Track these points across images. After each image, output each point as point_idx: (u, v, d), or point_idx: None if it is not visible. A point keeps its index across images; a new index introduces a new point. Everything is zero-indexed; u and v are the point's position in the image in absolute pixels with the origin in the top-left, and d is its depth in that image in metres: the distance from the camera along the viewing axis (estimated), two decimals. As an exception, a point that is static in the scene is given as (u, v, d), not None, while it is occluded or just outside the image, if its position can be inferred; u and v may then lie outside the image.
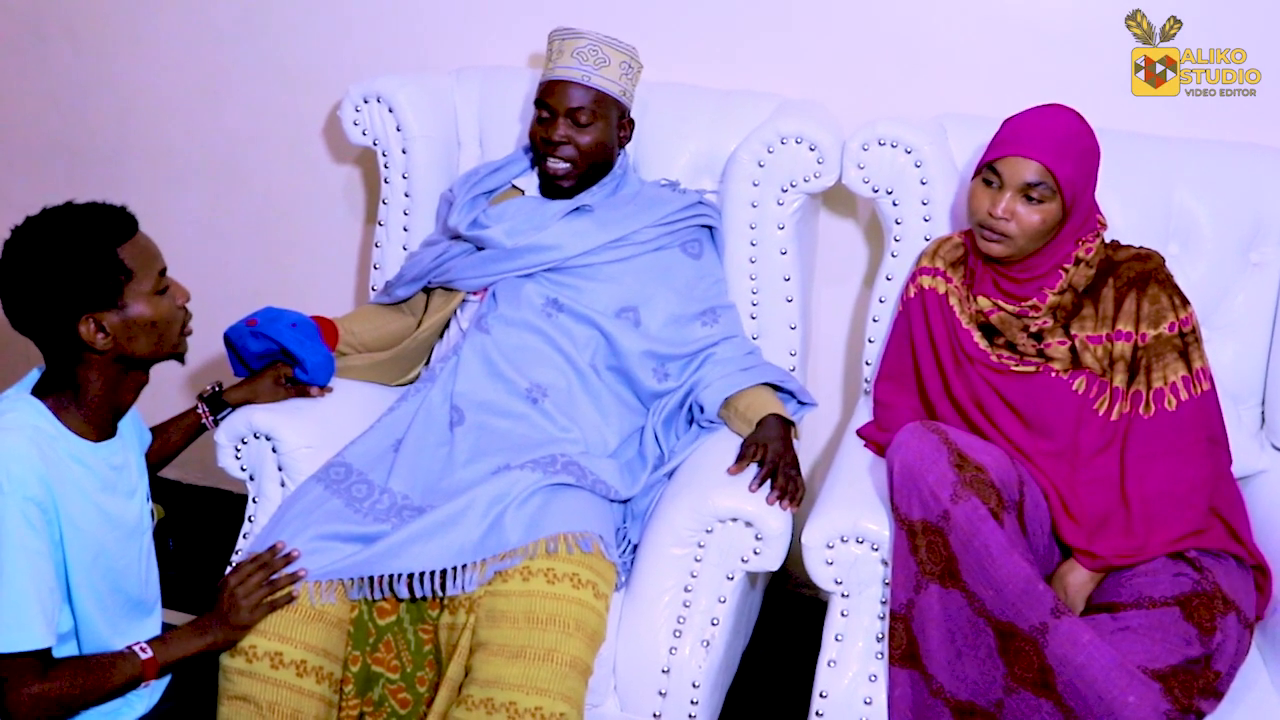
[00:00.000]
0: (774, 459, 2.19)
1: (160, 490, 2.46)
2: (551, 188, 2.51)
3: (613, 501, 2.27)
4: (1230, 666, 1.93)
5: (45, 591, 1.77)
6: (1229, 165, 2.40)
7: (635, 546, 2.25)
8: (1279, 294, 2.39)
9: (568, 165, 2.46)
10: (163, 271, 1.92)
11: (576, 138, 2.45)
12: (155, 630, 2.05)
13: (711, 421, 2.37)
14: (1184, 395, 2.10)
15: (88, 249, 1.81)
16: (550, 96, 2.45)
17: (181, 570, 2.94)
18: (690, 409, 2.41)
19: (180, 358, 1.99)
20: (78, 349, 1.85)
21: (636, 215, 2.48)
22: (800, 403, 2.45)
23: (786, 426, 2.29)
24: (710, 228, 2.57)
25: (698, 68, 2.75)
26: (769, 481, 2.15)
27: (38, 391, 1.88)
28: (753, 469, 2.18)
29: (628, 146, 2.60)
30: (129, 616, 1.98)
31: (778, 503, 2.12)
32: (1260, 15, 2.46)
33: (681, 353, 2.42)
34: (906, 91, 2.68)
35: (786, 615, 2.91)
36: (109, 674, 1.87)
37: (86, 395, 1.88)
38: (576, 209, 2.47)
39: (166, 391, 3.20)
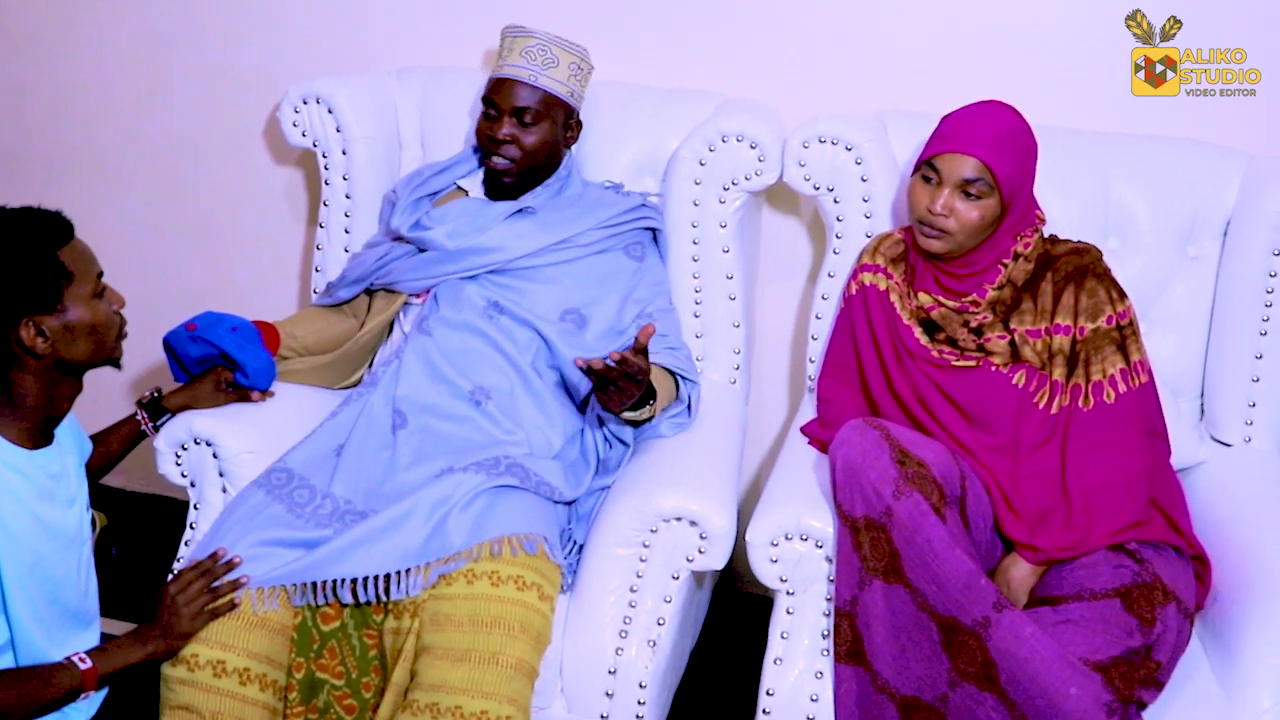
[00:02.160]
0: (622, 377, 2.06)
1: (102, 498, 2.41)
2: (496, 185, 2.50)
3: (557, 503, 2.26)
4: (1171, 656, 1.95)
5: None
6: (1167, 160, 2.43)
7: (581, 548, 2.24)
8: (1216, 287, 2.41)
9: (508, 163, 2.45)
10: (100, 275, 1.90)
11: (521, 137, 2.44)
12: (94, 642, 2.02)
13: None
14: (1122, 388, 2.12)
15: (27, 252, 1.79)
16: (497, 94, 2.45)
17: (124, 578, 2.90)
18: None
19: (116, 363, 1.97)
20: (13, 355, 1.82)
21: (580, 217, 2.47)
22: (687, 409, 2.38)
23: (651, 391, 2.20)
24: (653, 230, 2.56)
25: (639, 66, 2.75)
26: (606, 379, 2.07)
27: None
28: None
29: (572, 147, 2.59)
30: (67, 628, 1.95)
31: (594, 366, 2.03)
32: (1260, 15, 2.48)
33: None
34: (852, 88, 2.68)
35: (734, 614, 2.91)
36: (47, 685, 1.84)
37: (21, 402, 1.86)
38: (519, 211, 2.46)
39: (107, 397, 3.17)
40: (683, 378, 2.34)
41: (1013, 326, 2.19)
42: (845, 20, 2.66)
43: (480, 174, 2.58)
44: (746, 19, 2.70)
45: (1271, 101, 2.51)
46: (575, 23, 2.68)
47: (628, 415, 2.19)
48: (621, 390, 2.08)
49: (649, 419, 2.25)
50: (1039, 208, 2.24)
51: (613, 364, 2.03)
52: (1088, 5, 2.55)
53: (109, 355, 1.94)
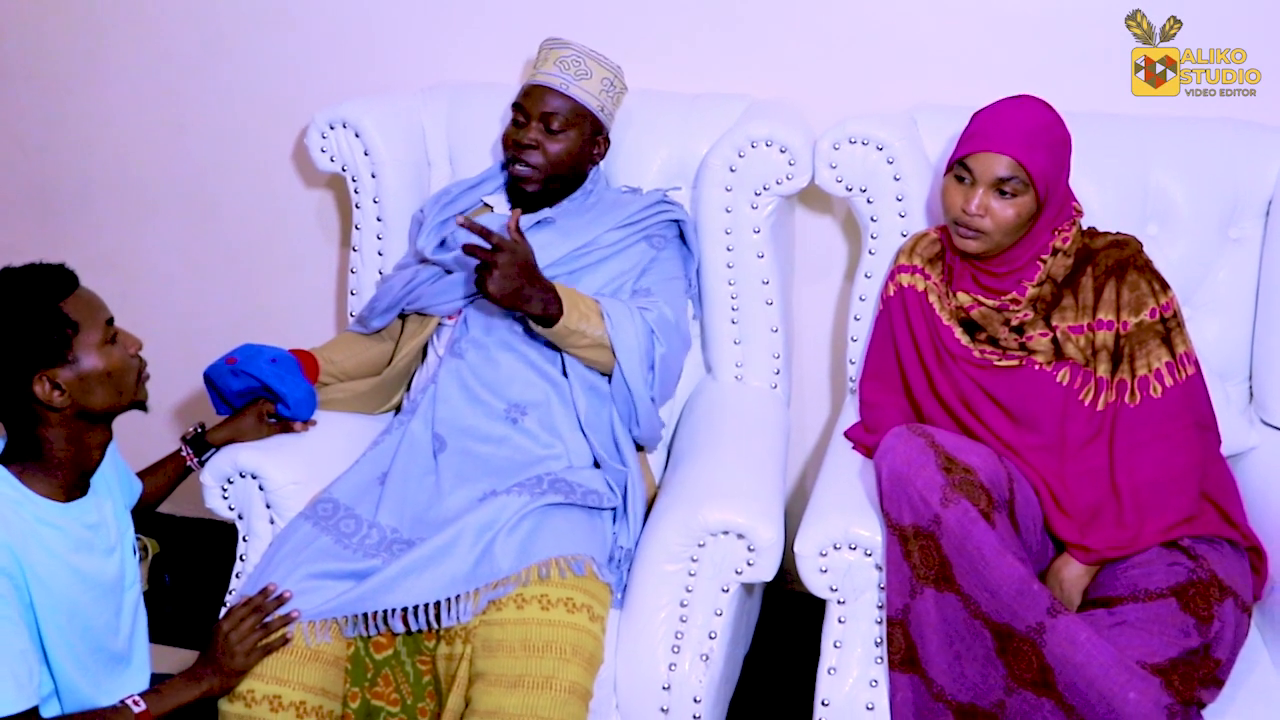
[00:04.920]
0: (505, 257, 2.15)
1: (153, 524, 2.42)
2: (519, 194, 2.49)
3: (603, 510, 2.26)
4: (1230, 653, 1.92)
5: (15, 655, 1.75)
6: (1203, 142, 2.39)
7: (630, 555, 2.23)
8: (1260, 268, 2.37)
9: (531, 170, 2.44)
10: (109, 321, 1.89)
11: (546, 144, 2.43)
12: (142, 684, 2.02)
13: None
14: (1169, 381, 2.09)
15: (29, 307, 1.79)
16: (526, 100, 2.45)
17: (179, 605, 2.92)
18: None
19: (142, 406, 1.97)
20: (35, 411, 1.83)
21: (598, 220, 2.46)
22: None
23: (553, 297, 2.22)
24: (678, 222, 2.54)
25: (661, 71, 2.73)
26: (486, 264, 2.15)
27: (3, 459, 1.87)
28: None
29: (600, 164, 2.58)
30: (112, 674, 1.96)
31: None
32: (1260, 15, 2.46)
33: None
34: (875, 82, 2.66)
35: (783, 613, 2.90)
36: None
37: (51, 456, 1.86)
38: (538, 222, 2.46)
39: (150, 429, 3.18)
40: (605, 315, 2.30)
41: (1054, 323, 2.17)
42: (862, 14, 2.64)
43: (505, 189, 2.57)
44: (763, 18, 2.68)
45: (1271, 101, 2.49)
46: (596, 27, 2.69)
47: (542, 331, 2.24)
48: (494, 269, 2.14)
49: (561, 331, 2.24)
50: (1076, 200, 2.21)
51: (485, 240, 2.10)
52: (1087, 5, 2.53)
53: (132, 399, 1.94)
